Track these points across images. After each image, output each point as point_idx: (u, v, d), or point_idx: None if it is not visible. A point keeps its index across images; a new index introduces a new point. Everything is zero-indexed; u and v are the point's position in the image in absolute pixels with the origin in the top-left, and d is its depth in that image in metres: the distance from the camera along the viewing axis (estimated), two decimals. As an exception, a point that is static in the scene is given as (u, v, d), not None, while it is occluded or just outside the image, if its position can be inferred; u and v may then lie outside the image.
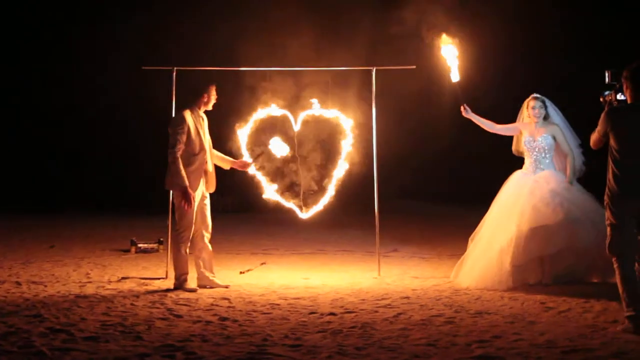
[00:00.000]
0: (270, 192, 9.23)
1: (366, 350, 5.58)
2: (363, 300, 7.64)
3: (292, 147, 9.26)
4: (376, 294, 7.96)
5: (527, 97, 8.80)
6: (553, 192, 8.39)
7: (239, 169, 8.90)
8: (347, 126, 9.32)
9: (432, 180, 21.68)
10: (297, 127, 9.29)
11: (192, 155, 8.32)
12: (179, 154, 8.18)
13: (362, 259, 10.98)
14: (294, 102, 9.32)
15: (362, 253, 11.63)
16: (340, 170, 9.35)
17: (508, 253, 8.19)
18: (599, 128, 6.41)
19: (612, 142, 6.28)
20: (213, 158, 8.73)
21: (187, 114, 8.34)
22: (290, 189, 9.29)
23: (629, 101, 6.38)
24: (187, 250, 8.38)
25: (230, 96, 9.04)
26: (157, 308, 7.22)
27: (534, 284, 8.27)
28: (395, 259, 10.98)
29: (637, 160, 6.16)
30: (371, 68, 9.54)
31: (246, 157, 9.11)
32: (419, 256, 11.40)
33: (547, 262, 8.35)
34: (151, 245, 11.82)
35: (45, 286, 8.56)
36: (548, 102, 8.74)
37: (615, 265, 6.25)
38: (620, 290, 6.19)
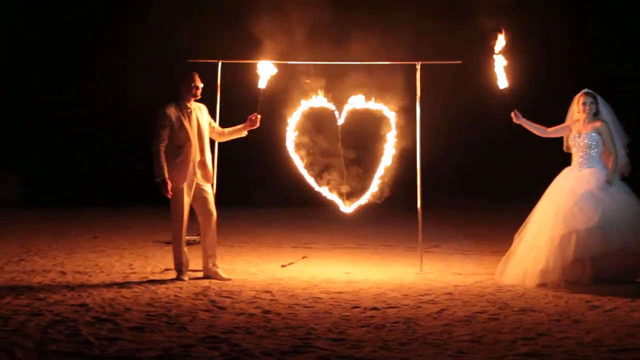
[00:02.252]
0: (313, 183, 9.28)
1: (410, 345, 5.58)
2: (406, 295, 7.63)
3: (336, 140, 9.27)
4: (419, 290, 7.95)
5: (577, 93, 8.75)
6: (589, 194, 8.33)
7: (252, 127, 8.73)
8: (392, 120, 9.31)
9: (473, 176, 21.56)
10: (341, 120, 9.30)
11: (178, 147, 8.41)
12: (161, 147, 8.32)
13: (404, 254, 10.97)
14: (339, 96, 9.33)
15: (404, 248, 11.62)
16: (383, 164, 9.34)
17: (545, 256, 8.18)
18: None
19: None
20: (223, 137, 8.88)
21: (170, 108, 8.44)
22: (333, 182, 9.30)
23: None
24: (184, 242, 8.55)
25: (277, 88, 9.07)
26: (201, 300, 7.28)
27: (574, 282, 8.18)
28: (436, 255, 10.95)
29: None
30: (416, 62, 9.51)
31: (289, 145, 9.18)
32: (461, 252, 11.36)
33: (588, 264, 8.26)
34: (193, 238, 11.83)
35: (90, 276, 8.69)
36: (599, 99, 8.65)
37: None
38: None
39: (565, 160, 8.90)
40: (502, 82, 8.87)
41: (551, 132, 8.90)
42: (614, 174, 8.50)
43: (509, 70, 8.89)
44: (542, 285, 8.09)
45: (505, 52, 8.86)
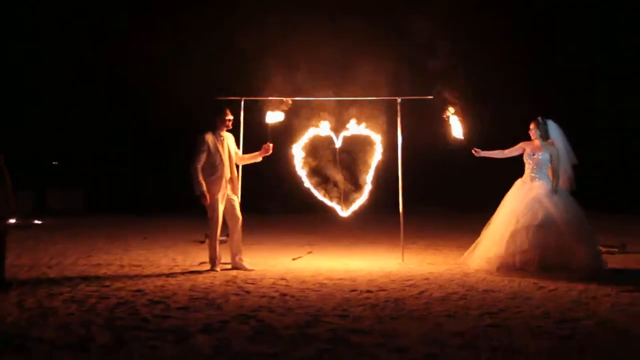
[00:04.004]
0: (316, 193, 9.34)
1: (399, 320, 5.62)
2: (392, 280, 7.67)
3: (334, 159, 9.34)
4: (402, 276, 7.99)
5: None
6: (536, 200, 8.41)
7: (266, 154, 8.85)
8: (378, 143, 9.38)
9: (443, 190, 21.64)
10: (338, 143, 9.37)
11: (213, 167, 8.49)
12: (198, 167, 8.38)
13: (388, 249, 10.99)
14: (336, 124, 9.40)
15: (388, 245, 11.64)
16: (371, 177, 9.40)
17: (501, 246, 8.32)
18: None
19: None
20: (243, 161, 8.96)
21: (208, 136, 8.52)
22: (333, 192, 9.35)
23: None
24: (218, 241, 8.58)
25: (289, 119, 9.18)
26: (231, 286, 7.31)
27: (525, 269, 8.24)
28: (414, 250, 10.97)
29: None
30: (396, 98, 9.57)
31: (297, 165, 9.24)
32: (433, 247, 11.40)
33: (537, 254, 8.29)
34: (221, 237, 11.88)
35: (143, 268, 8.73)
36: (550, 125, 8.69)
37: None
38: None
39: (512, 179, 8.97)
40: (458, 133, 8.99)
41: (508, 152, 8.94)
42: (557, 185, 8.53)
43: (463, 122, 8.99)
44: (499, 269, 8.21)
45: (457, 112, 8.98)
